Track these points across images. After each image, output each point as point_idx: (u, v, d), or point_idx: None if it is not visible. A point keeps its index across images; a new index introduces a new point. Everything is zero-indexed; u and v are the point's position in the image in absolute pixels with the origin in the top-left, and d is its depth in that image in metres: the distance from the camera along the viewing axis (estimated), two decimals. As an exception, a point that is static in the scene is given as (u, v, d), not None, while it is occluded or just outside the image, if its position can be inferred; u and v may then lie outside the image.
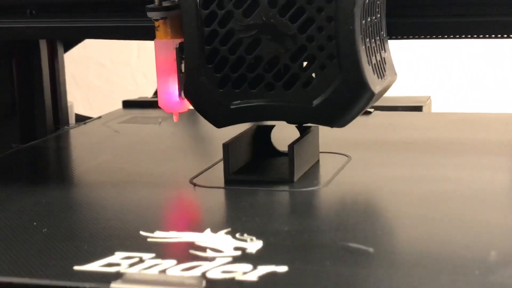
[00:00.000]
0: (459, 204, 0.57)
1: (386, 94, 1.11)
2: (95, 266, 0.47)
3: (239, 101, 0.61)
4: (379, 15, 0.63)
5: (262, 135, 0.70)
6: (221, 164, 0.68)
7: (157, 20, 0.63)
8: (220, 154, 0.70)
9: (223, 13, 0.60)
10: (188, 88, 0.62)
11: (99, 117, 0.93)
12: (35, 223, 0.55)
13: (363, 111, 0.62)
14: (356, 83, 0.58)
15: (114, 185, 0.65)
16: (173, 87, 0.64)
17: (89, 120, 0.92)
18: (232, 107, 0.61)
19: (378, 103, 0.96)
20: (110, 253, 0.48)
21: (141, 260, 0.47)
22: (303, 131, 0.67)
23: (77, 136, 0.85)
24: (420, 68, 1.54)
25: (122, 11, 0.72)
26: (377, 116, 0.90)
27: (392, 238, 0.51)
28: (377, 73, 0.61)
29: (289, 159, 0.63)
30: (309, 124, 0.66)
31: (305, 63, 0.61)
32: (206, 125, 0.67)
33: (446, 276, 0.44)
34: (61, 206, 0.60)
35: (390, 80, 0.65)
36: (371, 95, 0.59)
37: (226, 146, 0.64)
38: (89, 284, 0.44)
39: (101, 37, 0.76)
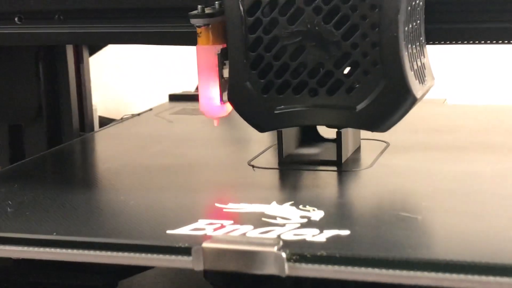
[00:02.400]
0: (493, 180, 0.65)
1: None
2: (184, 230, 0.55)
3: (282, 106, 0.63)
4: (419, 21, 0.64)
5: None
6: (272, 149, 0.76)
7: (199, 26, 0.64)
8: (269, 141, 0.78)
9: (268, 20, 0.61)
10: (232, 93, 0.63)
11: (150, 109, 1.01)
12: (121, 198, 0.63)
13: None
14: (399, 89, 0.60)
15: (180, 168, 0.73)
16: (215, 92, 0.65)
17: (142, 112, 1.00)
18: (276, 112, 0.63)
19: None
20: (194, 220, 0.56)
21: (223, 226, 0.55)
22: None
23: (133, 127, 0.93)
24: (436, 70, 1.59)
25: (149, 17, 0.72)
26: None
27: (434, 208, 0.59)
28: (418, 78, 0.62)
29: (337, 143, 0.71)
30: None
31: (348, 69, 0.62)
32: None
33: (483, 234, 0.52)
34: (143, 186, 0.68)
35: (430, 85, 0.67)
36: (414, 100, 0.60)
37: (280, 132, 0.72)
38: (185, 244, 0.52)
39: (128, 42, 0.76)
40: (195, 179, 0.70)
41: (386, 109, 0.61)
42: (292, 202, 0.60)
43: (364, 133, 0.79)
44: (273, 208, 0.59)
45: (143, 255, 0.52)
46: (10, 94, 0.92)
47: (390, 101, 0.60)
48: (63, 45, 0.91)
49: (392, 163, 0.71)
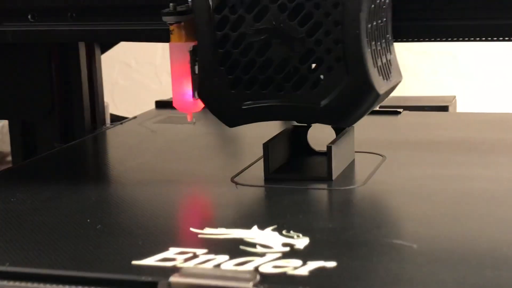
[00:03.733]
0: (495, 202, 0.59)
1: (412, 94, 1.13)
2: (151, 260, 0.49)
3: (250, 102, 0.63)
4: (385, 19, 0.65)
5: (298, 135, 0.72)
6: (259, 163, 0.70)
7: (171, 24, 0.65)
8: (255, 154, 0.72)
9: (235, 17, 0.62)
10: (201, 89, 0.65)
11: (135, 117, 0.95)
12: (88, 220, 0.58)
13: (371, 111, 0.64)
14: (362, 85, 0.60)
15: (158, 184, 0.68)
16: (187, 88, 0.66)
17: (125, 120, 0.94)
18: (243, 107, 0.63)
19: (405, 103, 0.99)
20: (165, 248, 0.51)
21: (195, 255, 0.49)
22: (339, 131, 0.69)
23: (115, 136, 0.88)
24: (445, 67, 1.56)
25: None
26: (407, 116, 0.92)
27: (433, 235, 0.53)
28: (382, 74, 0.64)
29: (328, 158, 0.65)
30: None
31: (313, 65, 0.63)
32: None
33: (490, 271, 0.46)
34: (110, 204, 0.63)
35: (396, 81, 0.68)
36: (376, 96, 0.61)
37: (266, 146, 0.67)
38: (149, 278, 0.46)
39: (137, 40, 0.77)
40: (171, 198, 0.64)
41: (350, 104, 0.62)
42: (275, 226, 0.54)
43: (359, 145, 0.74)
44: (253, 234, 0.53)
45: (104, 290, 0.47)
46: (23, 91, 0.92)
47: (353, 96, 0.61)
48: (75, 42, 0.91)
49: (387, 180, 0.66)
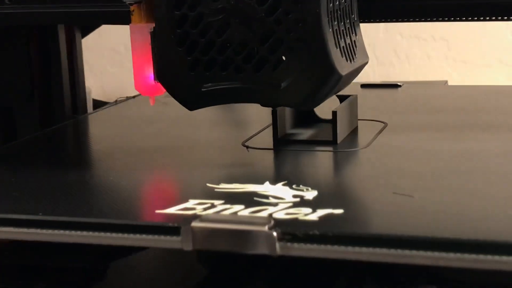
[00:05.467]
0: (488, 159, 0.63)
1: (404, 79, 1.16)
2: (173, 210, 0.53)
3: (210, 84, 0.62)
4: None
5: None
6: (267, 130, 0.75)
7: (131, 4, 0.64)
8: (263, 122, 0.77)
9: None
10: (160, 71, 0.63)
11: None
12: (111, 178, 0.62)
13: (335, 93, 0.65)
14: (322, 66, 0.59)
15: (172, 149, 0.71)
16: (149, 70, 0.65)
17: (137, 94, 0.98)
18: (203, 89, 0.62)
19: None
20: (185, 200, 0.55)
21: (213, 205, 0.54)
22: (343, 99, 0.73)
23: (127, 109, 0.92)
24: (437, 52, 1.58)
25: None
26: (406, 89, 0.96)
27: (431, 187, 0.57)
28: (346, 56, 0.62)
29: (333, 123, 0.70)
30: (348, 94, 0.73)
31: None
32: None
33: (482, 212, 0.50)
34: (134, 167, 0.66)
35: (361, 63, 0.67)
36: (338, 78, 0.60)
37: (275, 111, 0.71)
38: (174, 224, 0.50)
39: (120, 22, 0.74)
40: (187, 160, 0.68)
41: (311, 86, 0.60)
42: (285, 182, 0.58)
43: (362, 114, 0.78)
44: (265, 188, 0.57)
45: (131, 235, 0.51)
46: (1, 76, 0.90)
47: (314, 78, 0.60)
48: (55, 25, 0.89)
49: (389, 143, 0.70)
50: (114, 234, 0.51)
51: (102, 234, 0.51)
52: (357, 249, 0.47)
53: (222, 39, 0.61)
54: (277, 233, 0.48)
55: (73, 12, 0.73)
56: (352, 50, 0.65)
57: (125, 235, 0.51)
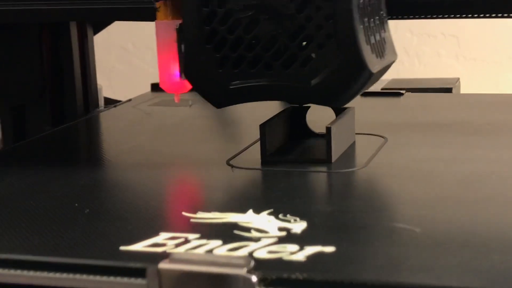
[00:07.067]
0: (499, 184, 0.57)
1: (416, 76, 1.10)
2: (140, 246, 0.47)
3: (238, 81, 0.61)
4: None
5: (297, 117, 0.69)
6: (256, 145, 0.68)
7: (158, 1, 0.64)
8: (252, 136, 0.70)
9: None
10: (187, 69, 0.62)
11: (129, 100, 0.93)
12: (76, 204, 0.55)
13: (364, 91, 0.62)
14: (354, 63, 0.58)
15: (151, 167, 0.65)
16: (174, 68, 0.65)
17: (119, 103, 0.92)
18: (231, 87, 0.61)
19: (408, 85, 0.96)
20: (155, 233, 0.48)
21: (187, 241, 0.47)
22: (339, 112, 0.67)
23: (108, 119, 0.85)
24: (448, 49, 1.53)
25: None
26: (409, 98, 0.90)
27: (437, 218, 0.50)
28: (376, 52, 0.61)
29: (327, 140, 0.63)
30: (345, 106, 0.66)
31: (304, 43, 0.60)
32: (236, 107, 0.66)
33: (497, 255, 0.43)
34: (100, 188, 0.60)
35: (390, 60, 0.65)
36: (369, 75, 0.59)
37: (263, 127, 0.64)
38: (137, 264, 0.44)
39: (130, 19, 0.74)
40: (164, 181, 0.62)
41: (341, 83, 0.59)
42: (272, 210, 0.52)
43: (360, 127, 0.71)
44: (248, 218, 0.51)
45: (91, 276, 0.44)
46: (13, 73, 0.89)
47: (345, 75, 0.59)
48: (67, 22, 0.88)
49: (389, 162, 0.63)
50: (70, 275, 0.44)
51: (57, 275, 0.45)
52: (349, 297, 0.40)
53: (251, 36, 0.60)
54: (257, 277, 0.42)
55: (86, 9, 0.70)
56: (382, 47, 0.63)
57: (83, 277, 0.44)
